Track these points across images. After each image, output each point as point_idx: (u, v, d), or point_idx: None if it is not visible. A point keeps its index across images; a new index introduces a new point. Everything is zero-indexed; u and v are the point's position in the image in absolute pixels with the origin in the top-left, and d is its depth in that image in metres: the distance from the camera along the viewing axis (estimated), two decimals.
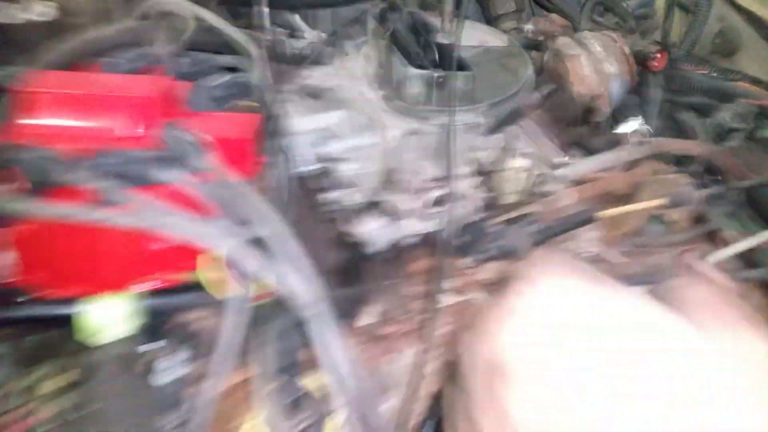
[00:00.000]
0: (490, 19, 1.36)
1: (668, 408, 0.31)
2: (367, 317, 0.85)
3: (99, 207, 0.63)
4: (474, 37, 1.01)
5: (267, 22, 1.11)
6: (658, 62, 1.12)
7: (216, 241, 0.66)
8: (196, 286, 0.69)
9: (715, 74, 1.14)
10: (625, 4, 1.37)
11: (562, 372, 0.34)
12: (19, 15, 1.23)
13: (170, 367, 0.64)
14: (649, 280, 0.88)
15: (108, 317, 0.64)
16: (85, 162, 0.66)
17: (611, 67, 1.07)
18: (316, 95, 0.92)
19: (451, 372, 0.44)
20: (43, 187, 0.67)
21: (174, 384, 0.65)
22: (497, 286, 0.54)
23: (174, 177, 0.67)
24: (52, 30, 1.27)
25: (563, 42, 1.09)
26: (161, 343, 0.68)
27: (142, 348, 0.66)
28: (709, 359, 0.33)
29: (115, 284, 0.69)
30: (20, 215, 0.64)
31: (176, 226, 0.64)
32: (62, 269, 0.70)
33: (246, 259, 0.66)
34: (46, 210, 0.63)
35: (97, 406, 0.56)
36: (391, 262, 0.95)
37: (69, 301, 0.68)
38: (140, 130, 0.70)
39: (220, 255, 0.69)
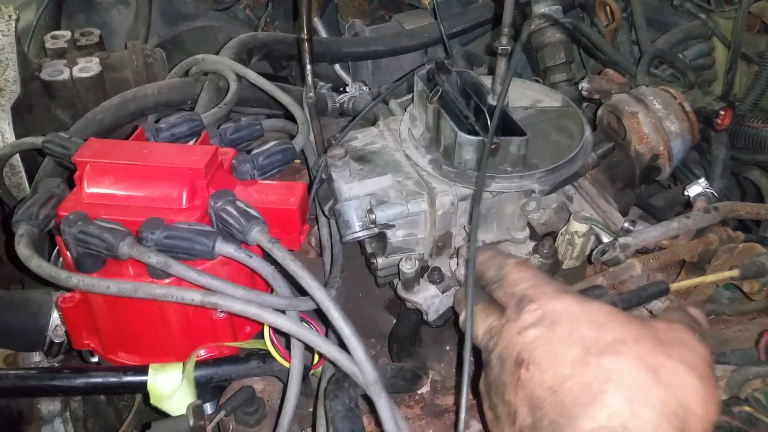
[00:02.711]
0: (538, 71, 1.38)
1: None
2: (425, 386, 0.86)
3: (145, 283, 0.65)
4: (527, 96, 1.02)
5: (311, 80, 1.14)
6: (723, 120, 1.11)
7: (262, 316, 0.67)
8: (257, 354, 0.73)
9: None
10: (682, 55, 1.37)
11: (562, 355, 0.53)
12: (65, 70, 1.30)
13: None
14: (724, 360, 0.85)
15: (169, 386, 0.67)
16: (129, 237, 0.68)
17: (672, 125, 1.06)
18: (362, 159, 0.93)
19: (482, 369, 0.62)
20: (92, 260, 0.69)
21: None
22: None
23: (224, 250, 0.68)
24: (96, 85, 1.34)
25: (620, 98, 1.08)
26: (225, 408, 0.72)
27: (209, 410, 0.71)
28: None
29: (176, 354, 0.73)
30: (77, 289, 0.67)
31: (224, 301, 0.66)
32: (118, 337, 0.73)
33: (293, 333, 0.68)
34: (100, 286, 0.66)
35: None
36: (448, 328, 0.95)
37: (136, 369, 0.73)
38: (188, 202, 0.72)
39: (266, 327, 0.71)
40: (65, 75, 1.29)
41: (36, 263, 0.68)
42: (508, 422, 0.56)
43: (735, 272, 0.93)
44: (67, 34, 1.43)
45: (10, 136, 1.04)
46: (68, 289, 0.79)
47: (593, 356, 0.52)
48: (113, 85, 1.36)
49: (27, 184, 1.07)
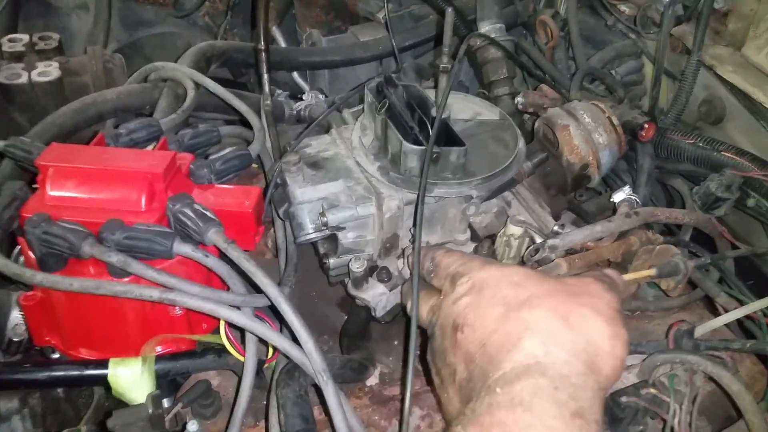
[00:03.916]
0: (483, 84, 1.45)
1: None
2: (373, 378, 0.91)
3: (106, 281, 0.69)
4: (468, 109, 1.09)
5: (268, 88, 1.18)
6: (647, 132, 1.20)
7: (218, 312, 0.71)
8: (213, 349, 0.77)
9: (701, 144, 1.22)
10: (614, 71, 1.47)
11: (488, 314, 0.60)
12: (22, 74, 1.30)
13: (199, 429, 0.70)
14: (640, 350, 0.93)
15: (130, 378, 0.70)
16: (91, 237, 0.72)
17: (600, 137, 1.15)
18: (315, 165, 0.98)
19: (427, 343, 0.69)
20: (54, 259, 0.72)
21: None
22: None
23: (181, 250, 0.72)
24: (55, 89, 1.34)
25: (554, 112, 1.17)
26: (182, 401, 0.75)
27: (166, 405, 0.74)
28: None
29: (135, 348, 0.76)
30: (41, 286, 0.70)
31: (181, 297, 0.70)
32: (78, 334, 0.76)
33: (247, 328, 0.72)
34: (62, 283, 0.69)
35: None
36: (396, 324, 1.00)
37: (97, 362, 0.76)
38: (147, 205, 0.76)
39: (222, 323, 0.75)
40: (24, 79, 1.30)
41: (0, 262, 0.70)
42: (450, 381, 0.62)
43: (652, 271, 1.02)
44: (25, 37, 1.43)
45: None
46: (29, 289, 0.82)
47: (513, 311, 0.59)
48: (72, 89, 1.37)
49: None
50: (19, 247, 0.81)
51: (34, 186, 0.81)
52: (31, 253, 0.74)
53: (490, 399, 0.54)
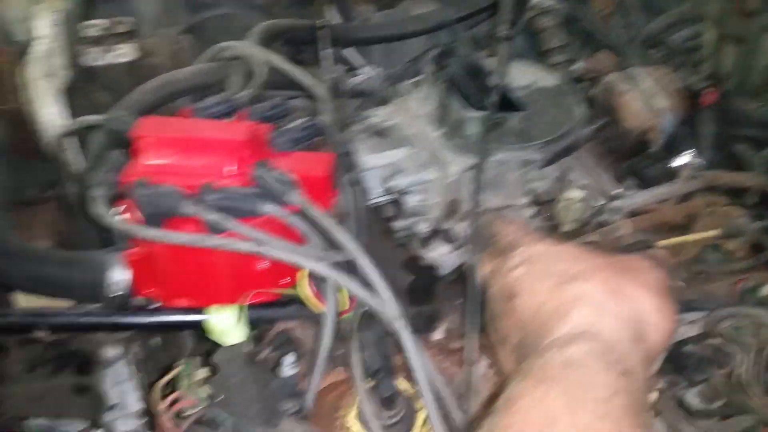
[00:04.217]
0: (540, 52, 1.50)
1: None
2: (439, 332, 0.99)
3: (208, 235, 0.80)
4: (527, 76, 1.15)
5: (329, 63, 1.27)
6: (709, 97, 1.23)
7: (304, 263, 0.81)
8: (295, 300, 0.87)
9: (766, 108, 1.24)
10: (674, 37, 1.49)
11: (540, 286, 0.65)
12: (102, 57, 1.44)
13: (291, 364, 0.80)
14: (704, 306, 0.98)
15: (229, 323, 0.81)
16: (192, 198, 0.82)
17: (661, 102, 1.19)
18: (381, 133, 1.07)
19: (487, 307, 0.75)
20: (155, 219, 0.83)
21: (291, 378, 0.84)
22: None
23: (267, 209, 0.82)
24: (132, 70, 1.47)
25: (613, 78, 1.21)
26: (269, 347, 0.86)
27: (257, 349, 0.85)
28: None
29: (226, 298, 0.87)
30: (151, 241, 0.82)
31: (271, 250, 0.80)
32: (177, 285, 0.88)
33: (330, 278, 0.82)
34: (173, 237, 0.80)
35: (230, 394, 0.74)
36: (459, 283, 1.09)
37: (193, 310, 0.88)
38: (236, 169, 0.86)
39: (307, 275, 0.85)
40: (103, 61, 1.43)
41: (114, 220, 0.82)
42: (506, 343, 0.70)
43: (716, 232, 1.07)
44: (102, 22, 1.57)
45: (62, 116, 1.19)
46: (125, 248, 0.93)
47: (565, 284, 0.64)
48: (147, 70, 1.49)
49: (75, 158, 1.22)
50: (115, 209, 0.93)
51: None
52: (135, 213, 0.85)
53: (544, 359, 0.60)
